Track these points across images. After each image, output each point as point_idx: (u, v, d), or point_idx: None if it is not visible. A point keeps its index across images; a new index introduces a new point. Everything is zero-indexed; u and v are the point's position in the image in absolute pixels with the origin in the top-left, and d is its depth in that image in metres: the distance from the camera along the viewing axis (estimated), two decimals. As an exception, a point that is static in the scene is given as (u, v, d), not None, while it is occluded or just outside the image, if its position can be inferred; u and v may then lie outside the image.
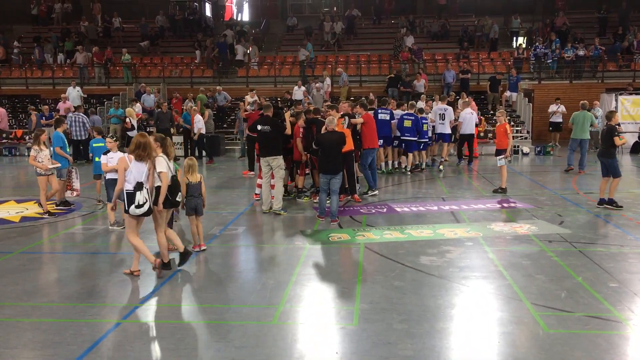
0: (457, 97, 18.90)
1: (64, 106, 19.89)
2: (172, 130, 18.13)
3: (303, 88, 21.34)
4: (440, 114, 15.78)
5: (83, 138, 17.19)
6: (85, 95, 22.75)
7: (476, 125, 16.71)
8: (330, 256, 7.74)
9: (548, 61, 23.38)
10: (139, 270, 6.85)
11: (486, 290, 6.31)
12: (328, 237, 8.58)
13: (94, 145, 10.37)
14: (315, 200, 10.69)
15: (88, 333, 5.25)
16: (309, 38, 26.85)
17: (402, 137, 14.46)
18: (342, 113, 11.30)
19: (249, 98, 18.68)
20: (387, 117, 13.70)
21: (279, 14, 32.37)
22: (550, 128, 20.54)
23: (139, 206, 6.45)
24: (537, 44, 23.80)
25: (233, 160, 18.52)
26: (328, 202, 9.51)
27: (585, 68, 23.47)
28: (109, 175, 8.95)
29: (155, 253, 7.36)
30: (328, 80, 22.19)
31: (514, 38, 27.14)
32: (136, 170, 6.50)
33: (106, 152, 9.00)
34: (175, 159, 16.17)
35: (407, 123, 14.32)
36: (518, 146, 19.47)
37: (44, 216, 10.14)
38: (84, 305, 5.97)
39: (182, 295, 6.39)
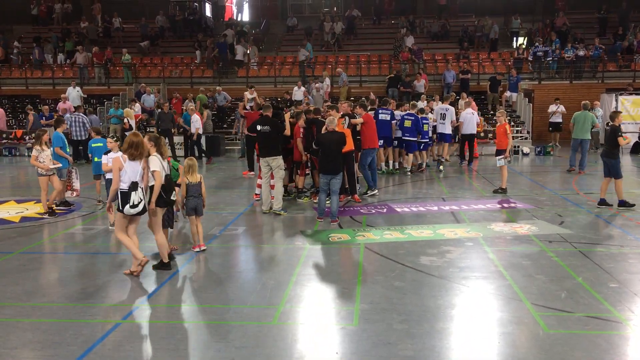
0: (457, 97, 18.91)
1: (63, 106, 19.90)
2: (173, 130, 18.13)
3: (303, 88, 21.34)
4: (441, 114, 15.78)
5: (83, 138, 17.18)
6: (85, 96, 22.76)
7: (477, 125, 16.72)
8: (331, 256, 7.74)
9: (548, 59, 23.36)
10: (139, 270, 6.85)
11: (486, 290, 6.31)
12: (328, 237, 8.58)
13: (93, 145, 10.37)
14: (315, 201, 10.68)
15: (88, 333, 5.25)
16: (309, 38, 26.85)
17: (402, 138, 14.46)
18: (342, 113, 11.30)
19: (248, 95, 18.68)
20: (388, 118, 13.70)
21: (279, 14, 32.38)
22: (550, 128, 20.54)
23: (133, 206, 6.50)
24: (537, 44, 23.80)
25: (233, 161, 18.52)
26: (328, 202, 9.51)
27: (586, 68, 23.47)
28: (109, 175, 8.91)
29: (154, 254, 7.38)
30: (328, 81, 22.20)
31: (514, 38, 27.14)
32: (131, 170, 6.54)
33: (107, 152, 9.00)
34: (176, 159, 16.25)
35: (407, 123, 14.32)
36: (518, 146, 19.47)
37: (44, 216, 10.14)
38: (84, 306, 5.97)
39: (182, 295, 6.39)
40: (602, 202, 10.38)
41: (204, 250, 7.84)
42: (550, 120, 20.44)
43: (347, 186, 10.96)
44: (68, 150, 11.08)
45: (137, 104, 20.46)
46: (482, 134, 19.19)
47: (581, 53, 23.14)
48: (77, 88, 22.00)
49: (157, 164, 6.80)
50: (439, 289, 6.33)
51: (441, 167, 15.47)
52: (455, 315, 5.61)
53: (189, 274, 7.06)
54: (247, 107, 16.64)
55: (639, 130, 19.70)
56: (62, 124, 11.25)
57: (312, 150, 10.38)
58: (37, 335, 5.25)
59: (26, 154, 19.98)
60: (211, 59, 25.13)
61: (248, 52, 25.43)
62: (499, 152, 11.90)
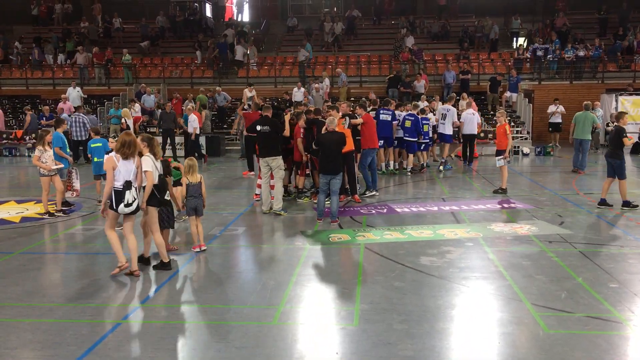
0: (458, 98, 18.90)
1: (61, 106, 19.92)
2: (176, 130, 18.13)
3: (303, 89, 21.34)
4: (442, 114, 15.78)
5: (83, 138, 17.18)
6: (86, 96, 22.77)
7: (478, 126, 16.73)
8: (331, 257, 7.74)
9: (548, 56, 23.33)
10: (138, 270, 6.86)
11: (486, 290, 6.31)
12: (328, 237, 8.58)
13: (92, 145, 10.37)
14: (315, 201, 10.68)
15: (88, 333, 5.25)
16: (309, 38, 26.85)
17: (403, 138, 14.46)
18: (342, 113, 11.30)
19: (247, 92, 18.66)
20: (389, 118, 13.71)
21: (279, 15, 32.38)
22: (550, 129, 20.55)
23: (127, 205, 6.57)
24: (537, 44, 23.80)
25: (233, 161, 18.51)
26: (328, 202, 9.51)
27: (586, 69, 23.47)
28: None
29: (153, 253, 7.38)
30: (327, 81, 22.20)
31: (514, 39, 27.14)
32: (124, 169, 6.59)
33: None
34: (176, 159, 16.23)
35: (407, 123, 14.33)
36: (518, 147, 19.47)
37: (44, 216, 10.14)
38: (84, 306, 5.97)
39: (182, 295, 6.40)
40: (603, 202, 10.38)
41: (204, 250, 7.85)
42: (550, 120, 20.45)
43: (347, 186, 10.96)
44: (68, 150, 11.08)
45: (137, 104, 20.46)
46: (481, 134, 19.20)
47: (581, 53, 23.14)
48: (78, 88, 22.01)
49: (150, 164, 6.87)
50: (439, 289, 6.33)
51: (441, 168, 15.42)
52: (456, 316, 5.61)
53: (189, 274, 7.07)
54: (246, 106, 16.67)
55: (639, 131, 19.69)
56: (62, 124, 11.25)
57: (312, 150, 10.38)
58: (37, 335, 5.26)
59: (26, 154, 20.00)
60: (212, 59, 25.14)
61: (247, 52, 25.44)
62: (498, 153, 11.90)
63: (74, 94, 21.48)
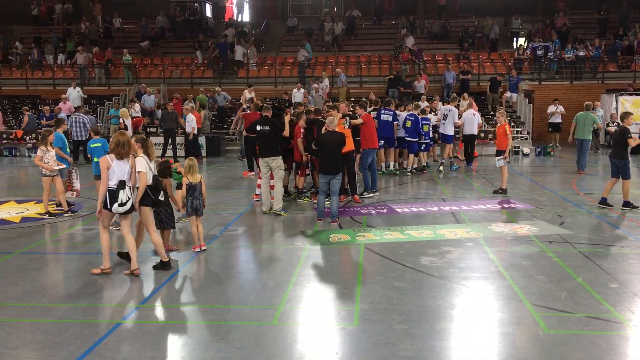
0: (458, 98, 18.89)
1: (63, 106, 19.92)
2: (177, 131, 18.11)
3: (303, 90, 21.33)
4: (444, 114, 15.78)
5: (83, 138, 17.19)
6: (86, 96, 22.77)
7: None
8: (331, 257, 7.74)
9: (549, 54, 23.30)
10: (138, 269, 6.87)
11: (486, 290, 6.31)
12: (328, 237, 8.58)
13: (92, 145, 10.36)
14: (315, 201, 10.68)
15: (88, 333, 5.25)
16: (310, 39, 26.85)
17: (405, 138, 14.45)
18: (342, 114, 11.30)
19: (247, 94, 18.66)
20: (390, 118, 13.71)
21: (279, 15, 32.37)
22: (550, 129, 20.56)
23: (122, 204, 6.62)
24: (536, 43, 23.79)
25: (233, 161, 18.52)
26: (328, 203, 9.51)
27: (586, 69, 23.47)
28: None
29: (153, 250, 7.38)
30: (327, 81, 22.20)
31: (514, 39, 27.13)
32: (118, 169, 6.64)
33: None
34: (176, 159, 16.23)
35: (408, 124, 14.33)
36: (518, 147, 19.47)
37: (44, 216, 10.14)
38: (84, 306, 5.97)
39: (182, 295, 6.40)
40: (603, 202, 10.38)
41: (204, 250, 7.85)
42: (550, 120, 20.46)
43: (347, 186, 10.95)
44: (68, 150, 11.08)
45: (137, 105, 20.45)
46: (481, 135, 19.20)
47: (581, 54, 23.14)
48: (78, 88, 22.01)
49: (144, 164, 6.90)
50: (439, 289, 6.33)
51: (441, 168, 15.41)
52: (456, 316, 5.61)
53: (189, 274, 7.07)
54: (245, 106, 16.68)
55: (639, 131, 19.68)
56: (62, 124, 11.24)
57: (312, 150, 10.38)
58: (37, 335, 5.26)
59: (26, 154, 20.01)
60: (212, 59, 25.14)
61: (247, 52, 25.43)
62: (499, 153, 11.90)
63: (74, 94, 21.47)
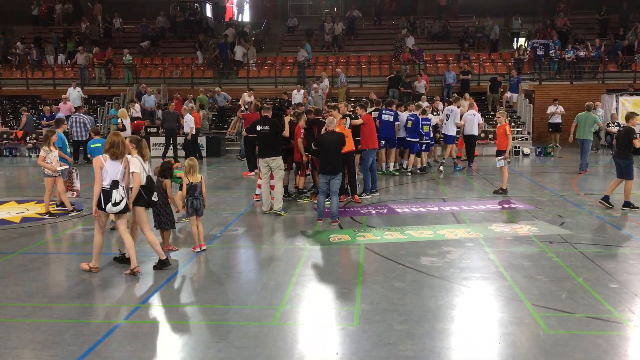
0: (460, 98, 18.88)
1: (62, 107, 19.92)
2: (179, 130, 18.11)
3: (303, 91, 21.33)
4: (446, 115, 15.78)
5: (84, 139, 17.20)
6: (86, 96, 22.78)
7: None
8: (331, 257, 7.74)
9: (550, 52, 23.27)
10: (138, 267, 6.88)
11: (487, 291, 6.31)
12: (328, 237, 8.58)
13: (92, 146, 10.37)
14: (315, 201, 10.68)
15: (88, 333, 5.25)
16: (310, 39, 26.85)
17: (406, 139, 14.45)
18: (342, 114, 11.29)
19: (246, 97, 18.68)
20: (391, 119, 13.70)
21: (280, 15, 32.38)
22: (550, 129, 20.55)
23: (115, 204, 6.65)
24: (535, 40, 23.79)
25: (233, 161, 18.52)
26: (328, 203, 9.51)
27: (586, 69, 23.47)
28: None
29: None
30: (326, 82, 22.19)
31: (515, 39, 27.13)
32: (112, 170, 6.68)
33: None
34: (176, 159, 16.22)
35: (409, 124, 14.32)
36: (519, 147, 19.47)
37: (44, 217, 10.14)
38: (85, 306, 5.97)
39: (183, 295, 6.40)
40: (605, 199, 10.38)
41: (204, 250, 7.85)
42: (550, 121, 20.46)
43: (347, 186, 10.95)
44: (68, 150, 11.07)
45: (137, 105, 20.45)
46: (482, 135, 19.19)
47: (582, 54, 23.14)
48: (78, 88, 22.02)
49: (137, 165, 6.92)
50: (439, 289, 6.33)
51: (441, 168, 15.40)
52: (456, 316, 5.61)
53: (189, 274, 7.07)
54: (244, 108, 16.69)
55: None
56: (62, 124, 11.23)
57: (312, 150, 10.38)
58: (38, 335, 5.25)
59: (27, 155, 20.02)
60: (212, 59, 25.15)
61: (247, 52, 25.43)
62: (499, 153, 11.90)
63: (74, 94, 21.48)
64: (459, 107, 15.92)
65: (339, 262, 7.59)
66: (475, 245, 8.06)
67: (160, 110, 20.78)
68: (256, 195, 11.20)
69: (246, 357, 4.79)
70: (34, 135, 20.40)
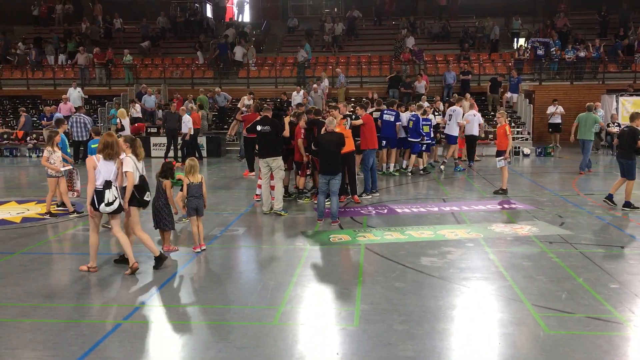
0: (462, 98, 18.88)
1: (62, 107, 19.91)
2: (180, 131, 18.09)
3: (302, 92, 21.31)
4: (449, 115, 15.79)
5: (84, 139, 17.19)
6: (86, 96, 22.78)
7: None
8: (331, 257, 7.74)
9: (551, 49, 23.26)
10: (137, 263, 6.90)
11: (487, 291, 6.31)
12: (329, 238, 8.58)
13: (92, 146, 10.35)
14: (315, 201, 10.68)
15: (89, 333, 5.26)
16: (310, 39, 26.85)
17: (407, 139, 14.45)
18: (342, 114, 11.30)
19: (245, 100, 18.69)
20: (392, 119, 13.70)
21: (280, 15, 32.38)
22: (550, 129, 20.55)
23: (108, 204, 6.69)
24: (534, 38, 23.79)
25: (233, 161, 18.52)
26: (328, 203, 9.51)
27: (586, 69, 23.47)
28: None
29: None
30: (326, 82, 22.20)
31: (515, 39, 27.13)
32: (105, 170, 6.71)
33: None
34: (177, 159, 16.22)
35: (410, 124, 14.33)
36: (519, 147, 19.47)
37: (45, 217, 10.15)
38: (85, 306, 5.98)
39: (183, 295, 6.40)
40: (609, 198, 10.39)
41: (204, 250, 7.85)
42: (550, 121, 20.45)
43: (347, 187, 10.94)
44: (68, 151, 11.07)
45: (138, 105, 20.45)
46: (482, 135, 19.19)
47: (582, 54, 23.14)
48: (78, 89, 22.03)
49: (131, 165, 6.94)
50: (439, 289, 6.33)
51: (442, 168, 15.41)
52: (456, 316, 5.62)
53: (190, 274, 7.08)
54: (243, 109, 16.69)
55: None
56: (63, 124, 11.23)
57: (312, 151, 10.38)
58: (38, 335, 5.26)
59: (27, 155, 20.02)
60: (213, 59, 25.15)
61: (247, 52, 25.43)
62: (499, 153, 11.90)
63: (74, 94, 21.49)
64: (461, 107, 15.93)
65: (339, 263, 7.59)
66: (476, 246, 8.06)
67: (160, 111, 20.77)
68: (256, 195, 11.20)
69: (246, 357, 4.79)
70: (34, 136, 20.41)
